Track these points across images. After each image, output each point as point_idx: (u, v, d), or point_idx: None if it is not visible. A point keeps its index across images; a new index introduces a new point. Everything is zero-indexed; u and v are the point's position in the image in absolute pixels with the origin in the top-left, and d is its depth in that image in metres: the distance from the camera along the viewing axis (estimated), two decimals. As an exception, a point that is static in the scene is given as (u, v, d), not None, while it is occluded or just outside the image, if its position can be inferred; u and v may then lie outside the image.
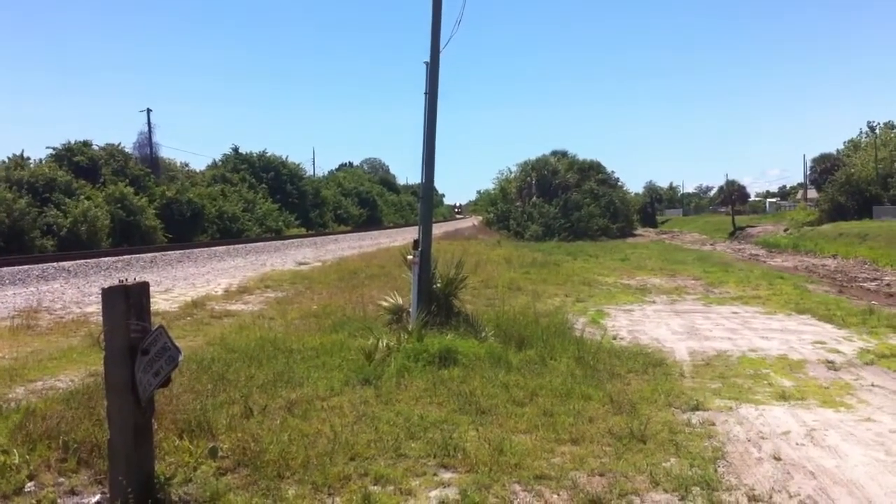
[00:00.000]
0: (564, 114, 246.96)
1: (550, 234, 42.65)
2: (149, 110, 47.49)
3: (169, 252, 27.27)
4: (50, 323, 11.02)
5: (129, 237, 32.96)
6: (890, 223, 36.29)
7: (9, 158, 33.50)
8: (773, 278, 18.69)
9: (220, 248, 30.46)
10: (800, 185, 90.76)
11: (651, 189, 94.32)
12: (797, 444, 5.43)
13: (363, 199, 76.68)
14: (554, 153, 52.53)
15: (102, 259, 22.91)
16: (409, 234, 29.97)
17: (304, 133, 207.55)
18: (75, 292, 15.18)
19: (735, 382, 7.36)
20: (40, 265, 20.17)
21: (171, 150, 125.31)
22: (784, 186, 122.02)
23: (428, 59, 9.85)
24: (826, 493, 4.51)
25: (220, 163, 56.96)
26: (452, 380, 6.79)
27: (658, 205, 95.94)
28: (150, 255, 25.45)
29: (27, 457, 4.68)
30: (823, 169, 72.58)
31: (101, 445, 4.55)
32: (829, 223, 43.21)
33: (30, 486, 4.42)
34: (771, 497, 4.40)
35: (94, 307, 12.22)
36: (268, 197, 53.24)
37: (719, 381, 7.44)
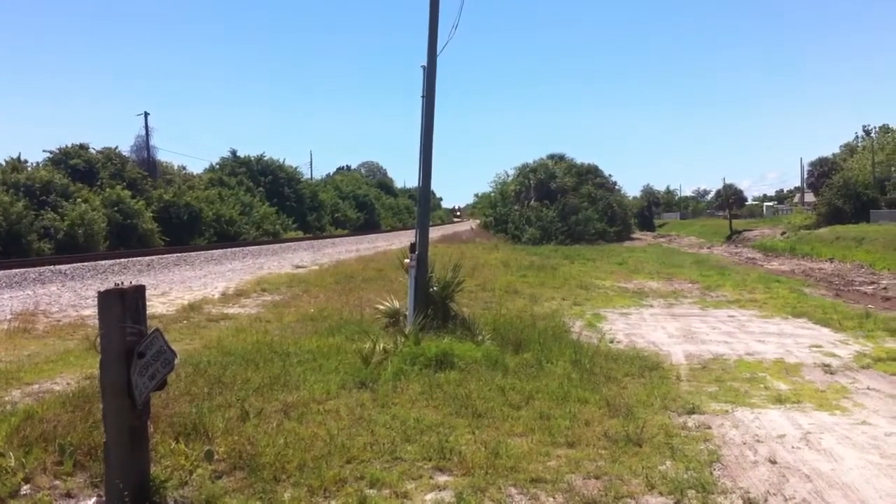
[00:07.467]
0: (562, 117, 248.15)
1: (548, 237, 42.65)
2: (146, 113, 47.54)
3: (166, 255, 27.27)
4: (46, 326, 11.00)
5: (126, 240, 32.92)
6: (887, 227, 36.40)
7: (6, 161, 33.48)
8: (770, 282, 18.73)
9: (217, 251, 30.44)
10: (797, 188, 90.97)
11: (648, 193, 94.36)
12: (793, 447, 5.45)
13: (360, 202, 76.66)
14: (551, 157, 52.57)
15: (99, 262, 22.90)
16: (407, 238, 29.91)
17: (302, 136, 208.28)
18: (72, 295, 15.16)
19: (731, 386, 7.37)
20: (37, 268, 20.15)
21: (169, 153, 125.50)
22: (781, 190, 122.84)
23: (425, 63, 9.88)
24: (821, 496, 4.52)
25: (218, 166, 56.93)
26: (449, 383, 6.78)
27: (655, 208, 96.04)
28: (146, 258, 25.40)
29: (23, 460, 4.67)
30: (821, 173, 72.83)
31: (97, 448, 4.55)
32: (826, 227, 43.32)
33: (25, 488, 4.41)
34: (766, 500, 4.41)
35: (91, 310, 12.20)
36: (265, 200, 53.20)
37: (716, 384, 7.45)
